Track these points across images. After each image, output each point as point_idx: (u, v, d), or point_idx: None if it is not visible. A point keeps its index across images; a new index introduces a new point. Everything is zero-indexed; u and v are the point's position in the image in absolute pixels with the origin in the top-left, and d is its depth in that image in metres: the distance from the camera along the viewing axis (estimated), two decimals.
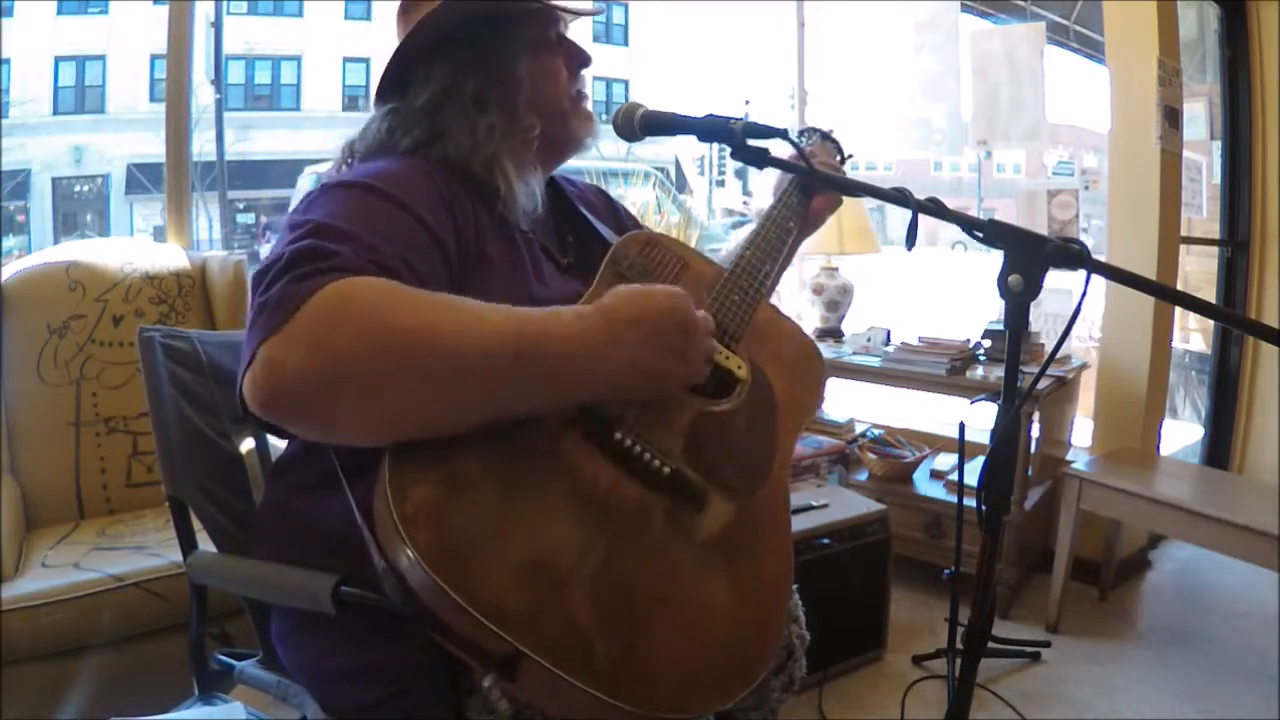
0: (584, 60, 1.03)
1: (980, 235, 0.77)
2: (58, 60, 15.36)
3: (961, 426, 1.12)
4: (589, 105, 1.04)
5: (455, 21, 0.93)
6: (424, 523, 0.63)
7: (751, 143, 0.88)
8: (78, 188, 15.86)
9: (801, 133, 1.24)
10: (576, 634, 0.64)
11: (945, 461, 2.62)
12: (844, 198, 1.19)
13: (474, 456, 0.68)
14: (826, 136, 1.24)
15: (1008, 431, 0.77)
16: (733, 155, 0.88)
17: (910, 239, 0.84)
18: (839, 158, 1.26)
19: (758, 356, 0.94)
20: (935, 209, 0.81)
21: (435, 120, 0.92)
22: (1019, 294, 0.73)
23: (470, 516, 0.65)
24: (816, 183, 1.06)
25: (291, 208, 0.85)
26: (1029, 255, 0.73)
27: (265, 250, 12.85)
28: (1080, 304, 0.77)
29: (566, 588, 0.66)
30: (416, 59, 0.95)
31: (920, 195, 0.84)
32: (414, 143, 0.92)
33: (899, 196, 0.83)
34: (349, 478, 0.79)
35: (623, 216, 1.20)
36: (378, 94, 0.98)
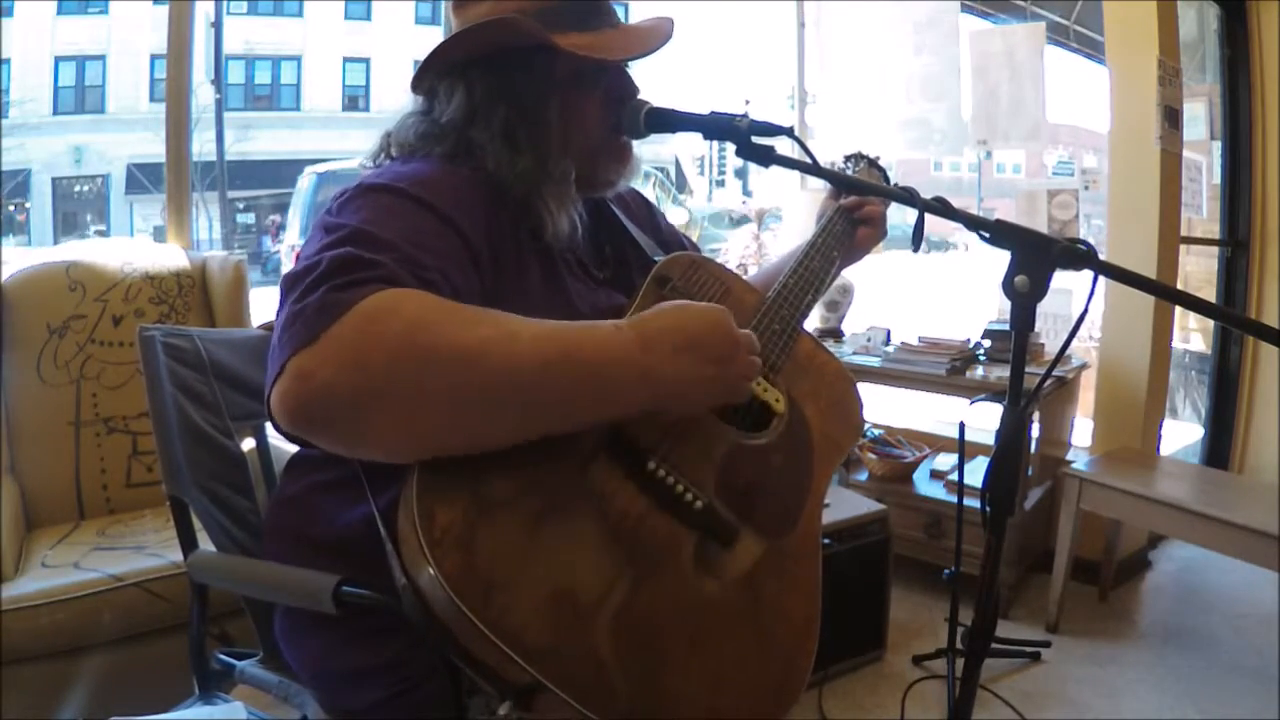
0: (629, 92, 0.95)
1: (987, 235, 0.77)
2: (58, 60, 15.36)
3: (961, 426, 1.12)
4: (628, 142, 0.97)
5: (485, 45, 0.89)
6: (451, 547, 0.61)
7: (756, 140, 0.87)
8: (78, 188, 15.86)
9: (848, 158, 1.23)
10: (597, 668, 0.64)
11: (945, 461, 2.62)
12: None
13: (504, 480, 0.66)
14: (873, 164, 1.23)
15: (1013, 432, 0.77)
16: (737, 153, 0.85)
17: (917, 239, 0.84)
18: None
19: (796, 391, 0.91)
20: (942, 209, 0.80)
21: (463, 137, 0.89)
22: (1025, 295, 0.73)
23: (497, 543, 0.64)
24: (824, 180, 1.05)
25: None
26: (1036, 256, 0.72)
27: (274, 247, 12.81)
28: (1088, 305, 0.76)
29: (590, 621, 0.65)
30: (443, 72, 0.92)
31: (922, 195, 0.83)
32: (446, 152, 0.89)
33: (906, 196, 0.83)
34: (372, 483, 0.77)
35: (660, 223, 1.17)
36: (411, 87, 0.94)
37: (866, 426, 2.84)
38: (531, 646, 0.60)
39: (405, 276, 0.69)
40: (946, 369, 2.37)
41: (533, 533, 0.66)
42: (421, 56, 0.94)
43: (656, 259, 0.98)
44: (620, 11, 0.99)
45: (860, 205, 1.16)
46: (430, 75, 0.93)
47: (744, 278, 1.05)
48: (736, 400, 0.78)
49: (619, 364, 0.69)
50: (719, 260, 1.30)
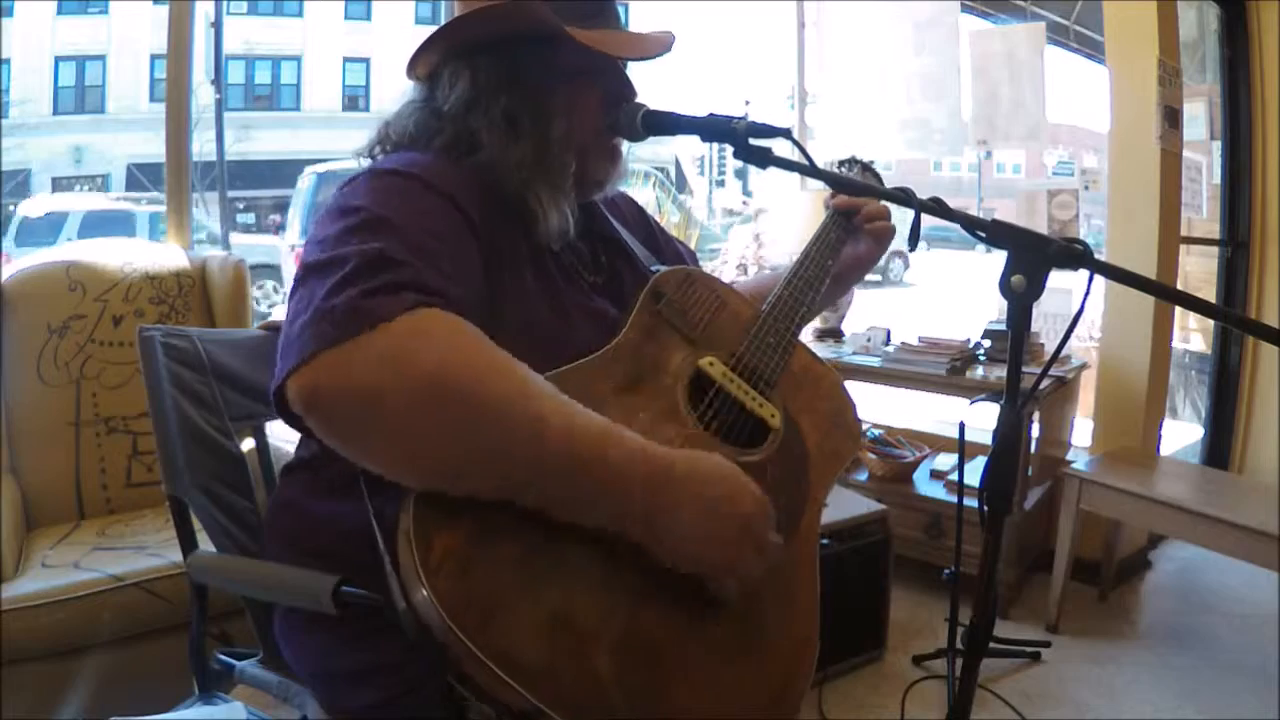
0: (627, 94, 0.94)
1: (983, 235, 0.77)
2: (58, 60, 15.35)
3: (961, 426, 1.12)
4: (619, 143, 0.97)
5: (495, 30, 0.89)
6: (447, 572, 0.62)
7: (754, 142, 0.87)
8: (78, 188, 15.84)
9: (842, 163, 1.23)
10: (598, 692, 0.63)
11: (945, 461, 2.62)
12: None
13: (502, 505, 0.66)
14: (867, 168, 1.23)
15: (1010, 432, 0.77)
16: (735, 155, 0.86)
17: (913, 239, 0.84)
18: None
19: (792, 405, 0.91)
20: (939, 208, 0.80)
21: (463, 127, 0.89)
22: (1022, 295, 0.73)
23: (494, 568, 0.64)
24: (820, 181, 1.05)
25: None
26: (1032, 256, 0.72)
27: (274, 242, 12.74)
28: (1083, 304, 0.76)
29: (590, 644, 0.65)
30: (447, 56, 0.91)
31: (920, 195, 0.84)
32: (445, 144, 0.89)
33: (902, 196, 0.83)
34: (369, 483, 0.77)
35: (654, 228, 1.16)
36: (409, 65, 0.94)
37: (866, 427, 2.84)
38: (529, 670, 0.60)
39: (432, 279, 0.69)
40: (946, 369, 2.37)
41: (530, 556, 0.66)
42: None
43: (653, 270, 0.97)
44: (620, 12, 0.99)
45: (874, 216, 1.13)
46: (432, 57, 0.92)
47: (738, 290, 1.05)
48: (725, 580, 0.73)
49: (629, 494, 0.68)
50: (719, 261, 1.29)
